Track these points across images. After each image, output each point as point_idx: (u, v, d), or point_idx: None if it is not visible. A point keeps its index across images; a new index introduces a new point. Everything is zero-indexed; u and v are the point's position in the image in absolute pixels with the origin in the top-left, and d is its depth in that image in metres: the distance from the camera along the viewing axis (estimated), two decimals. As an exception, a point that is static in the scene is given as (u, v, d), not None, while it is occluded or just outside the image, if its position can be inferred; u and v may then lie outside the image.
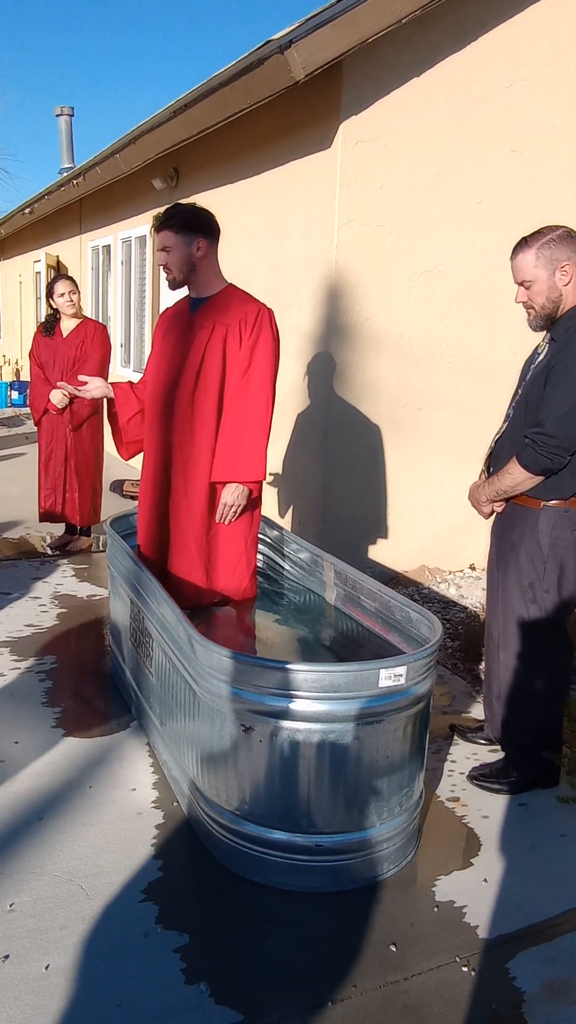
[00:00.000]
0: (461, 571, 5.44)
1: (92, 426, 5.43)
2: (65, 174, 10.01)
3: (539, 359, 2.81)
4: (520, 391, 2.87)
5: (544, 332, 2.85)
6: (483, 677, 3.33)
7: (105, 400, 3.54)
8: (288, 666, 2.30)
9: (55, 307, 5.37)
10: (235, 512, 3.22)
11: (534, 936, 2.26)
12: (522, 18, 4.93)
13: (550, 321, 2.77)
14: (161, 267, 3.24)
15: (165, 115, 5.77)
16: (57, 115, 15.53)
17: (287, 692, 2.28)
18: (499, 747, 3.14)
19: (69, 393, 5.05)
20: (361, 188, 4.76)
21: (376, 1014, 1.99)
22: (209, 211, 3.25)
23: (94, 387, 3.46)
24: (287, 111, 5.10)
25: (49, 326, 5.42)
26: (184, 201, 3.48)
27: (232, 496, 3.19)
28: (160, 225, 3.18)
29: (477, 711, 3.55)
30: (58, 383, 3.73)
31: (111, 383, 3.50)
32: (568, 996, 2.07)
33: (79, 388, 3.48)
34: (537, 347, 2.89)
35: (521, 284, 2.77)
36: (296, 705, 2.28)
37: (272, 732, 2.32)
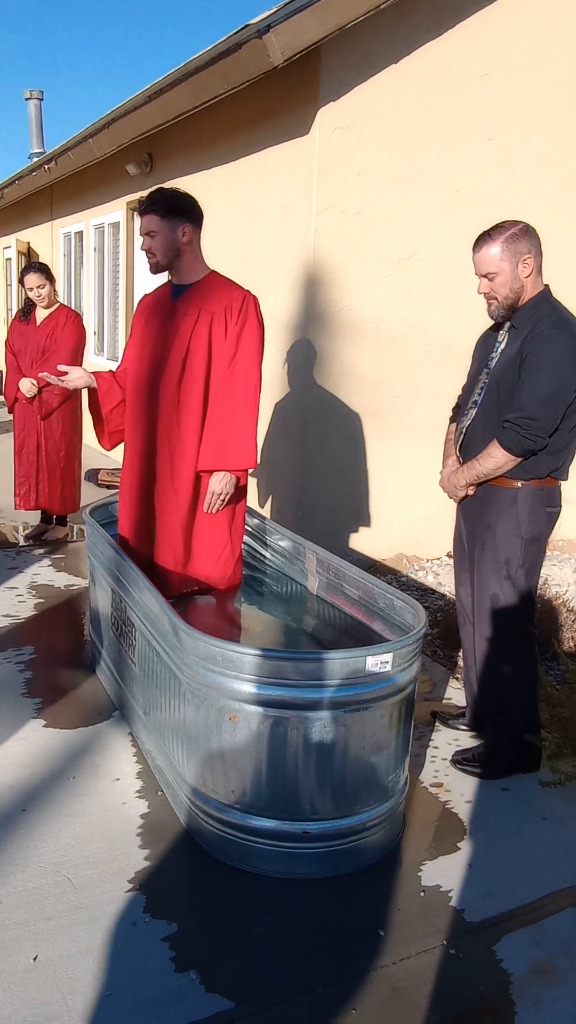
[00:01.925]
0: (438, 559, 5.47)
1: (63, 415, 5.38)
2: (36, 159, 9.86)
3: (500, 347, 2.91)
4: (487, 379, 2.93)
5: (504, 321, 2.93)
6: (462, 662, 3.36)
7: (86, 390, 3.49)
8: (275, 654, 2.30)
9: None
10: (223, 500, 3.21)
11: (519, 919, 2.29)
12: (498, 7, 4.93)
13: (511, 311, 2.87)
14: (145, 251, 3.20)
15: (140, 99, 5.71)
16: (26, 99, 15.28)
17: (273, 680, 2.28)
18: (480, 734, 3.18)
19: (44, 382, 5.02)
20: (339, 175, 4.74)
21: (365, 998, 2.00)
22: (193, 196, 3.22)
23: (75, 377, 3.42)
24: (265, 97, 5.06)
25: (26, 312, 5.38)
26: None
27: (220, 484, 3.18)
28: (145, 209, 3.14)
29: (457, 697, 3.58)
30: (40, 373, 3.68)
31: (93, 373, 3.46)
32: (554, 977, 2.09)
33: (60, 378, 3.43)
34: (497, 335, 2.97)
35: (485, 276, 2.86)
36: (282, 693, 2.28)
37: (258, 720, 2.32)
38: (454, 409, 3.18)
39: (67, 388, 3.51)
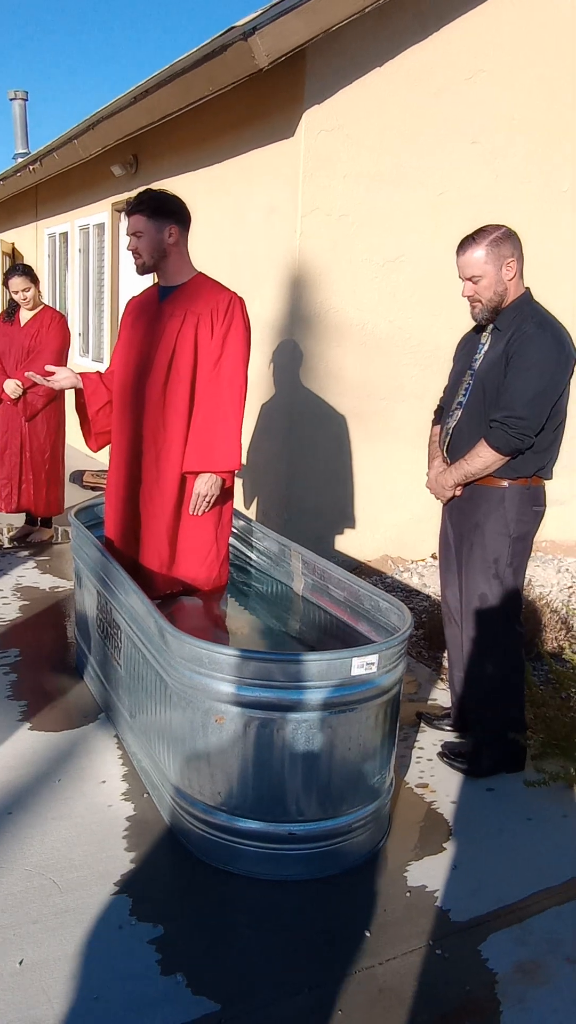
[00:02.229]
0: (423, 560, 5.49)
1: (48, 416, 5.36)
2: (21, 159, 9.83)
3: (484, 348, 2.95)
4: (472, 380, 2.96)
5: (488, 323, 2.96)
6: (447, 663, 3.37)
7: (72, 391, 3.49)
8: (260, 656, 2.30)
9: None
10: (208, 502, 3.21)
11: (505, 918, 2.30)
12: (482, 10, 4.96)
13: (495, 313, 2.91)
14: (131, 252, 3.19)
15: (126, 100, 5.70)
16: (11, 99, 15.21)
17: (259, 682, 2.28)
18: (465, 734, 3.19)
19: (29, 383, 5.01)
20: (324, 177, 4.75)
21: (352, 999, 2.00)
22: (180, 198, 3.22)
23: (62, 377, 3.42)
24: (250, 99, 5.06)
25: (10, 313, 5.37)
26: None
27: (205, 486, 3.18)
28: (131, 209, 3.14)
29: (442, 698, 3.59)
30: (25, 373, 3.67)
31: (80, 374, 3.45)
32: (539, 976, 2.11)
33: (47, 378, 3.43)
34: (480, 337, 3.00)
35: (469, 279, 2.90)
36: (268, 694, 2.29)
37: (245, 721, 2.32)
38: (437, 411, 3.21)
39: (53, 388, 3.50)
